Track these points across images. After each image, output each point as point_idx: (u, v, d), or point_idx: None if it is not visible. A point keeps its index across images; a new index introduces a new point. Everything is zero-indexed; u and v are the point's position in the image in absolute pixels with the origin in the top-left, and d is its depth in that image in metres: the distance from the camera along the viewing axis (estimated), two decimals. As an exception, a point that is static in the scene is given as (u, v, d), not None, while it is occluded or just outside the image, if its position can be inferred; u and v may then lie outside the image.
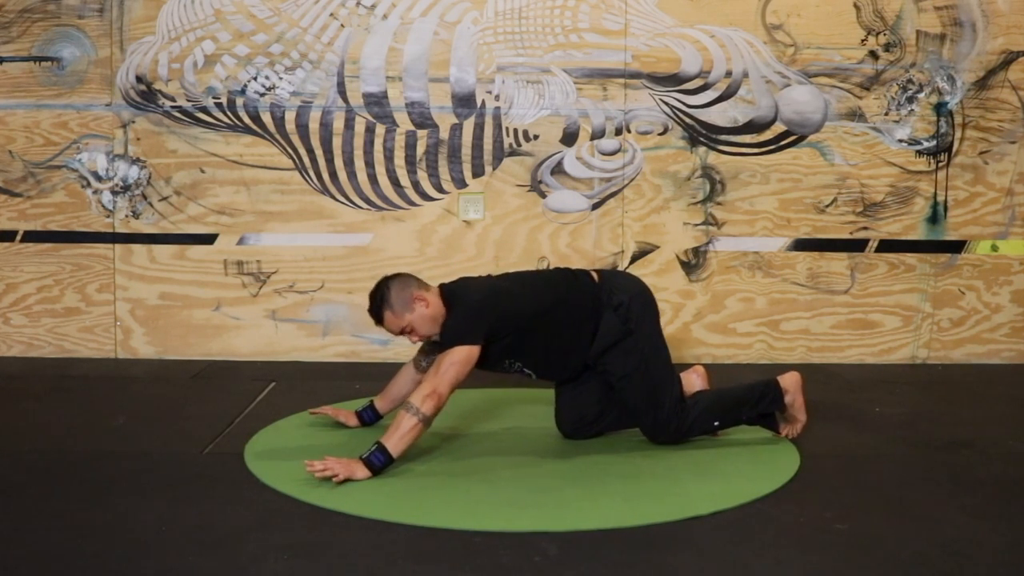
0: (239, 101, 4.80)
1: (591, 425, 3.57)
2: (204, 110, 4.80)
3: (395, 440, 3.09)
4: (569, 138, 4.85)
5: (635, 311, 3.44)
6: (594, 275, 3.53)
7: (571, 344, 3.42)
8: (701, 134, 4.86)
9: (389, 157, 4.83)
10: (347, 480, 3.04)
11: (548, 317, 3.35)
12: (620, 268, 4.87)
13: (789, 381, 3.56)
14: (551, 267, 3.61)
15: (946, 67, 4.87)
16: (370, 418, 3.66)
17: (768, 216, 4.91)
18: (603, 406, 3.55)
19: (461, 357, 3.15)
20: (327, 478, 3.03)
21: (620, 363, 3.42)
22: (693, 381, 3.68)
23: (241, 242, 4.87)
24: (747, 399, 3.54)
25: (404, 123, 4.81)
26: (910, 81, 4.88)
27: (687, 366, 3.77)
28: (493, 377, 3.99)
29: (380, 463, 3.08)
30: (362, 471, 3.07)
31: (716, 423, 3.52)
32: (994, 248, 4.98)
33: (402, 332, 3.32)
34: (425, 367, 3.47)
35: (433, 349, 3.40)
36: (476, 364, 3.24)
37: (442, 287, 3.39)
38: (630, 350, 3.42)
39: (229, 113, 4.81)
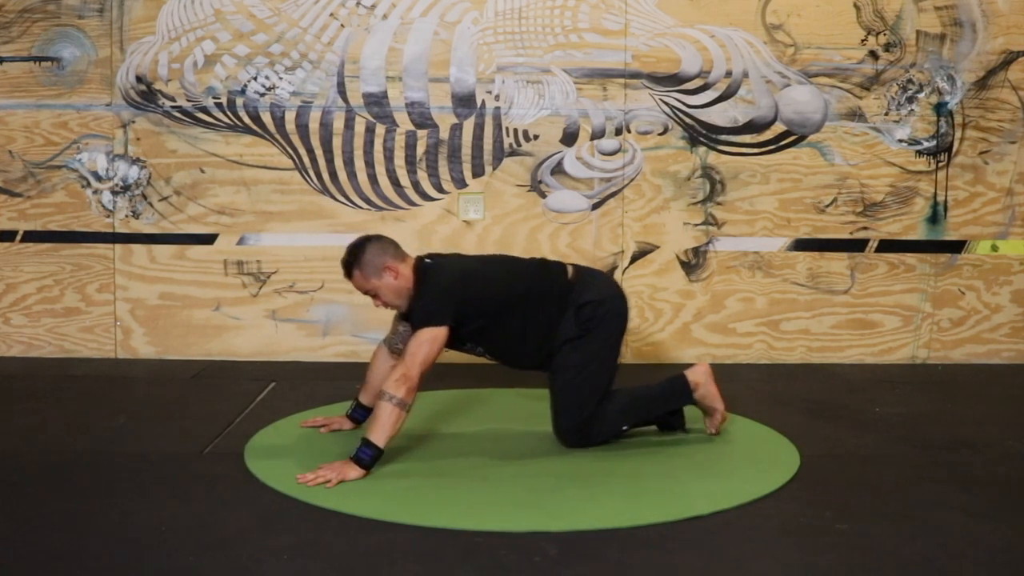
0: (239, 101, 4.80)
1: None
2: (204, 110, 4.81)
3: (378, 432, 3.10)
4: (569, 138, 4.85)
5: (597, 315, 3.43)
6: (570, 271, 3.52)
7: (529, 334, 3.42)
8: (701, 134, 4.86)
9: (389, 157, 4.83)
10: (342, 482, 3.04)
11: (513, 307, 3.38)
12: (621, 267, 4.87)
13: (698, 373, 3.56)
14: (532, 257, 3.65)
15: (946, 67, 4.87)
16: (361, 416, 3.65)
17: (768, 216, 4.91)
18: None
19: (428, 337, 3.18)
20: (322, 484, 3.04)
21: (563, 356, 3.43)
22: (699, 373, 3.59)
23: (241, 242, 4.87)
24: (657, 398, 3.53)
25: (404, 123, 4.81)
26: (910, 81, 4.88)
27: (687, 366, 3.76)
28: (492, 377, 4.00)
29: (368, 457, 3.09)
30: (354, 471, 3.08)
31: (625, 427, 3.51)
32: (994, 248, 4.98)
33: (367, 293, 3.37)
34: (400, 348, 3.47)
35: (406, 329, 3.43)
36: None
37: (419, 260, 3.40)
38: (577, 348, 3.41)
39: (229, 113, 4.81)
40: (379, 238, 3.42)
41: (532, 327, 3.42)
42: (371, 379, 3.60)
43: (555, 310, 3.43)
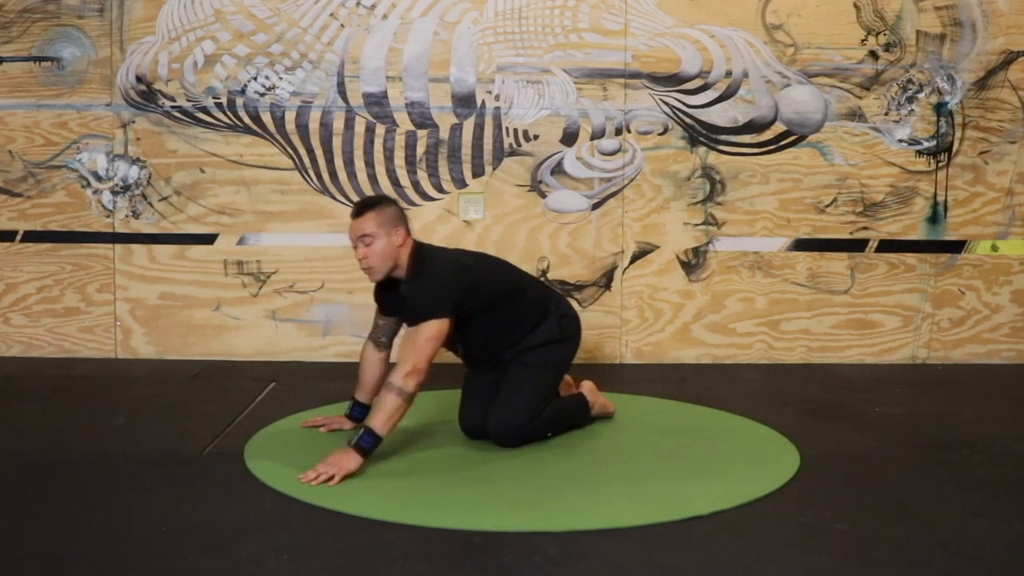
0: (239, 101, 4.80)
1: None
2: (204, 110, 4.80)
3: (381, 420, 3.13)
4: (569, 138, 4.85)
5: (569, 330, 3.64)
6: (545, 284, 3.76)
7: (509, 331, 3.54)
8: (701, 134, 4.86)
9: (389, 157, 4.83)
10: (345, 478, 3.05)
11: (505, 300, 3.49)
12: (621, 267, 4.88)
13: (587, 390, 3.80)
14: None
15: (946, 67, 4.87)
16: (360, 414, 3.65)
17: (768, 216, 4.91)
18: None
19: (434, 332, 3.24)
20: (325, 482, 3.04)
21: (530, 355, 3.55)
22: (589, 392, 3.81)
23: (241, 242, 4.87)
24: (573, 413, 3.72)
25: (404, 123, 4.81)
26: (910, 81, 4.88)
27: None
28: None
29: (368, 444, 3.12)
30: (353, 460, 3.09)
31: (549, 434, 3.60)
32: (994, 248, 4.98)
33: (362, 238, 3.33)
34: (384, 341, 3.60)
35: (387, 322, 3.58)
36: None
37: (417, 244, 3.44)
38: (545, 353, 3.56)
39: (229, 113, 4.81)
40: (403, 210, 3.50)
41: (513, 323, 3.53)
42: (364, 376, 3.63)
43: (536, 311, 3.58)
